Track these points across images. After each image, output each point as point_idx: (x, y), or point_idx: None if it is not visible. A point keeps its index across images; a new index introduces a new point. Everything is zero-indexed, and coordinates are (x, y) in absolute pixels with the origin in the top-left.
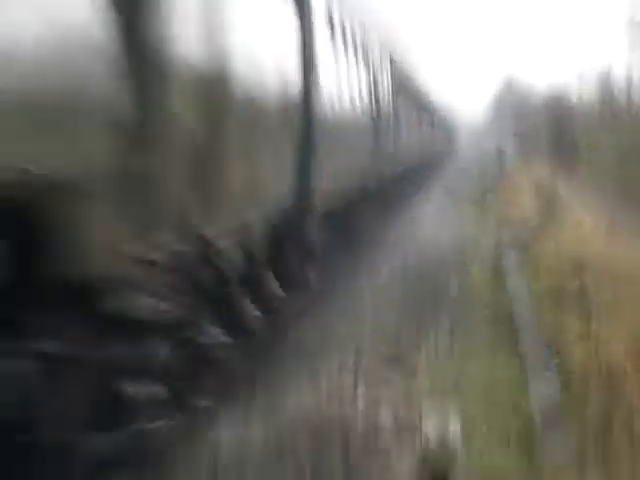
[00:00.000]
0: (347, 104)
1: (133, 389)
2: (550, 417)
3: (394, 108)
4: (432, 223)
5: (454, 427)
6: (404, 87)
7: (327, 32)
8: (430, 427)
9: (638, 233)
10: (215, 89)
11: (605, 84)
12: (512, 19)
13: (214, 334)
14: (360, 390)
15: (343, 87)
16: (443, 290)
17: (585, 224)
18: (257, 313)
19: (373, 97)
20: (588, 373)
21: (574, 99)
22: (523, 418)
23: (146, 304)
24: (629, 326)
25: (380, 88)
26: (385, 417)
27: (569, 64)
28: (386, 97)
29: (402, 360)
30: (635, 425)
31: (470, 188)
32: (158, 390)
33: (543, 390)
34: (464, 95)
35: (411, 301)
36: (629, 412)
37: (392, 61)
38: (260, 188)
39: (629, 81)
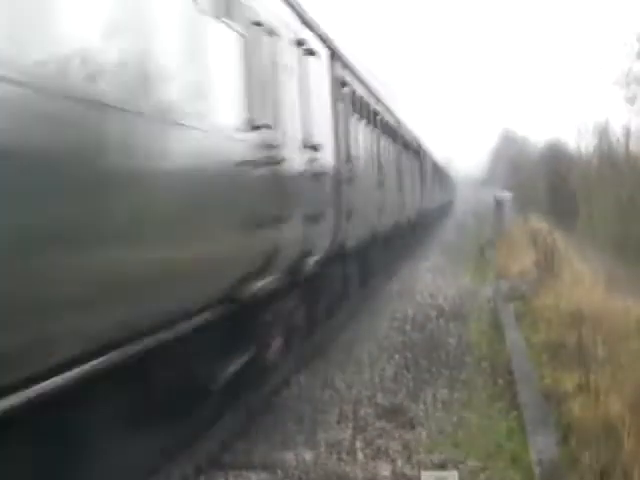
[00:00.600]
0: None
1: None
2: (550, 469)
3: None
4: (432, 276)
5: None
6: (413, 154)
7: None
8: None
9: (635, 287)
10: None
11: (603, 136)
12: (509, 73)
13: None
14: (359, 441)
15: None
16: (442, 343)
17: (583, 278)
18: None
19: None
20: (587, 426)
21: (572, 151)
22: (523, 470)
23: None
24: (627, 379)
25: (394, 156)
26: (384, 469)
27: (566, 117)
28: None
29: (400, 411)
30: (634, 477)
31: (468, 242)
32: None
33: (542, 442)
34: (462, 148)
35: (410, 353)
36: (628, 464)
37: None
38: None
39: (627, 133)
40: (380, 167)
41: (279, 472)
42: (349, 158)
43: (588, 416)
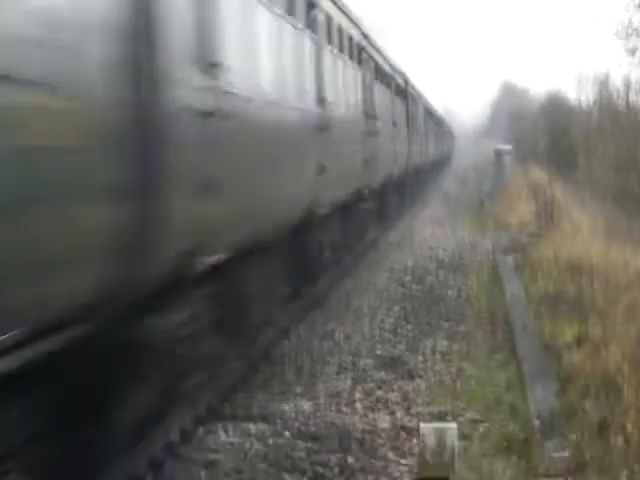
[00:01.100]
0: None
1: None
2: (548, 421)
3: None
4: (431, 228)
5: (451, 432)
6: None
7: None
8: (428, 432)
9: (635, 237)
10: None
11: (603, 88)
12: (510, 24)
13: None
14: (358, 392)
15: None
16: (441, 294)
17: (583, 229)
18: None
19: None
20: (586, 377)
21: (572, 103)
22: (521, 422)
23: None
24: (626, 330)
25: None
26: (383, 420)
27: (566, 68)
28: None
29: (400, 362)
30: (632, 427)
31: (468, 194)
32: None
33: (541, 394)
34: (462, 99)
35: (409, 304)
36: (627, 415)
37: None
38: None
39: (627, 85)
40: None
41: (278, 422)
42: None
43: (587, 367)
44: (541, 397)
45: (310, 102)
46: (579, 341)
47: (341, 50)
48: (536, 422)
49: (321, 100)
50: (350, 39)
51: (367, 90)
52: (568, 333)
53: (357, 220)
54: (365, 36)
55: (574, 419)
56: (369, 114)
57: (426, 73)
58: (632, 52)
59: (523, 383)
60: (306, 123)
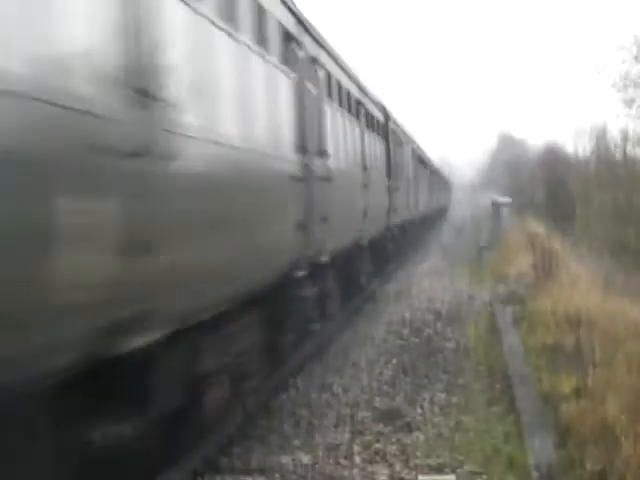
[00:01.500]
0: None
1: None
2: (547, 472)
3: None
4: (429, 280)
5: None
6: (418, 161)
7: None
8: None
9: (633, 290)
10: None
11: (600, 140)
12: (508, 76)
13: None
14: (357, 445)
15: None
16: (439, 346)
17: (581, 281)
18: None
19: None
20: (585, 429)
21: (570, 154)
22: (520, 473)
23: None
24: (624, 383)
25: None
26: (382, 473)
27: (564, 120)
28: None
29: (398, 415)
30: (631, 478)
31: (466, 245)
32: None
33: (540, 445)
34: (459, 150)
35: (407, 356)
36: (626, 467)
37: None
38: None
39: (624, 137)
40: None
41: (276, 476)
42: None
43: (585, 419)
44: (539, 449)
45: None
46: (577, 393)
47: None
48: (535, 474)
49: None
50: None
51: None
52: (566, 385)
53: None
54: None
55: (573, 470)
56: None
57: (423, 125)
58: (629, 104)
59: (522, 435)
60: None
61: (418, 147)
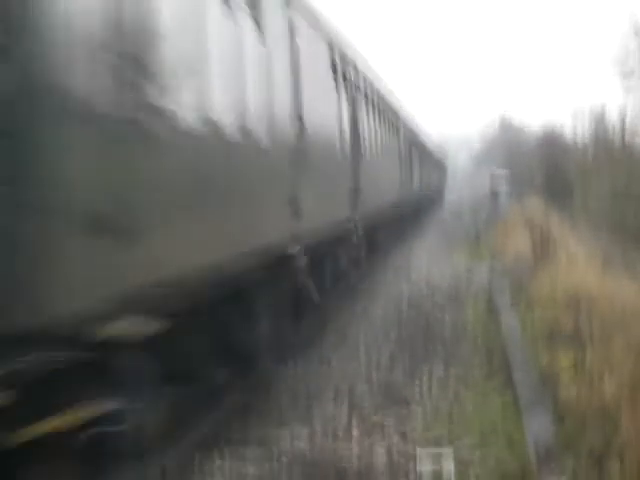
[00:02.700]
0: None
1: None
2: (544, 451)
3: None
4: (427, 262)
5: (448, 461)
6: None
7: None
8: (424, 459)
9: (630, 268)
10: None
11: (599, 122)
12: (506, 58)
13: None
14: (356, 422)
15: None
16: (437, 326)
17: (579, 260)
18: None
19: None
20: (583, 409)
21: (568, 138)
22: (517, 453)
23: None
24: (623, 361)
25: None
26: (380, 449)
27: (562, 103)
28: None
29: (397, 392)
30: (630, 460)
31: (464, 228)
32: None
33: (538, 427)
34: (457, 133)
35: (406, 337)
36: (624, 447)
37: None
38: None
39: (622, 118)
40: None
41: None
42: None
43: (584, 397)
44: (537, 427)
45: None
46: (576, 371)
47: None
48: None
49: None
50: None
51: None
52: (565, 363)
53: None
54: None
55: (571, 449)
56: None
57: (421, 105)
58: (628, 75)
59: (519, 411)
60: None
61: (410, 120)
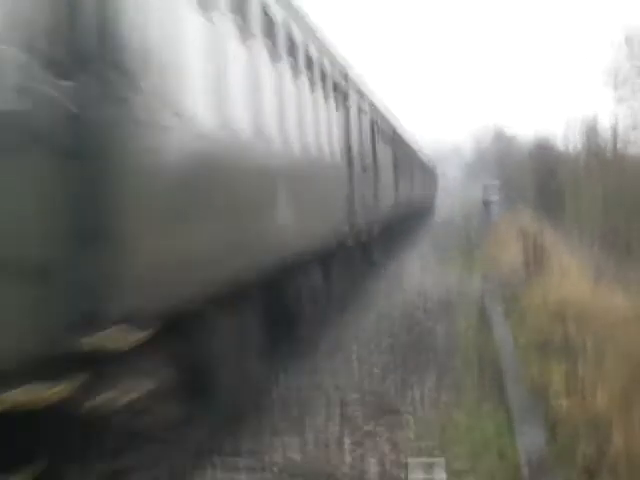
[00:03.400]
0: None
1: None
2: (537, 466)
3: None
4: (419, 274)
5: (440, 478)
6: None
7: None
8: (416, 470)
9: (623, 280)
10: None
11: (591, 132)
12: (497, 67)
13: None
14: (347, 441)
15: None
16: (429, 340)
17: (571, 272)
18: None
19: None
20: (575, 422)
21: (560, 147)
22: (510, 467)
23: None
24: (615, 373)
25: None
26: (372, 468)
27: (554, 113)
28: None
29: (388, 408)
30: (622, 473)
31: (456, 239)
32: None
33: (530, 439)
34: (448, 140)
35: (398, 351)
36: (616, 460)
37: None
38: None
39: (614, 129)
40: None
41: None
42: None
43: (576, 410)
44: (530, 440)
45: None
46: (567, 382)
47: None
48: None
49: None
50: None
51: None
52: (556, 375)
53: None
54: None
55: (563, 462)
56: None
57: (415, 114)
58: (621, 84)
59: (511, 424)
60: None
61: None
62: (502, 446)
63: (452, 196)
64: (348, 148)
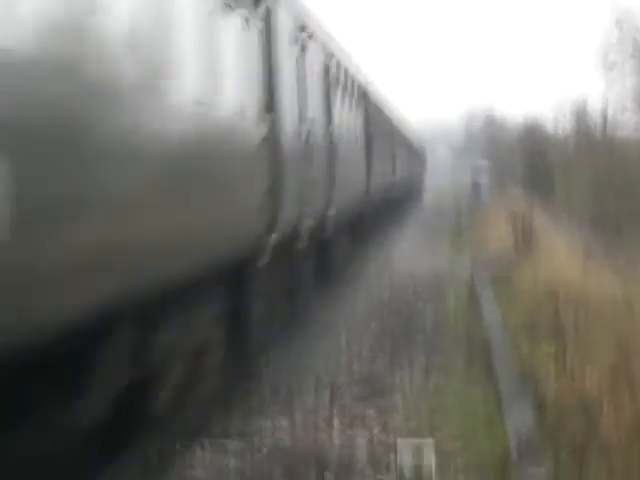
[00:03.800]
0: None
1: None
2: (526, 447)
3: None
4: (408, 255)
5: (429, 458)
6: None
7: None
8: (405, 459)
9: (612, 260)
10: None
11: (580, 115)
12: (488, 48)
13: None
14: (335, 424)
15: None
16: (419, 321)
17: (560, 253)
18: None
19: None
20: (564, 399)
21: (549, 130)
22: (498, 444)
23: None
24: (604, 355)
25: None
26: (361, 450)
27: (544, 95)
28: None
29: (379, 382)
30: (610, 456)
31: (446, 220)
32: None
33: (518, 421)
34: (436, 118)
35: (387, 332)
36: (605, 436)
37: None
38: None
39: (604, 112)
40: None
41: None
42: None
43: (565, 390)
44: (518, 418)
45: None
46: (557, 362)
47: None
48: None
49: None
50: None
51: None
52: (546, 355)
53: None
54: None
55: (551, 439)
56: None
57: (404, 95)
58: (611, 67)
59: (500, 403)
60: None
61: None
62: (491, 425)
63: (441, 178)
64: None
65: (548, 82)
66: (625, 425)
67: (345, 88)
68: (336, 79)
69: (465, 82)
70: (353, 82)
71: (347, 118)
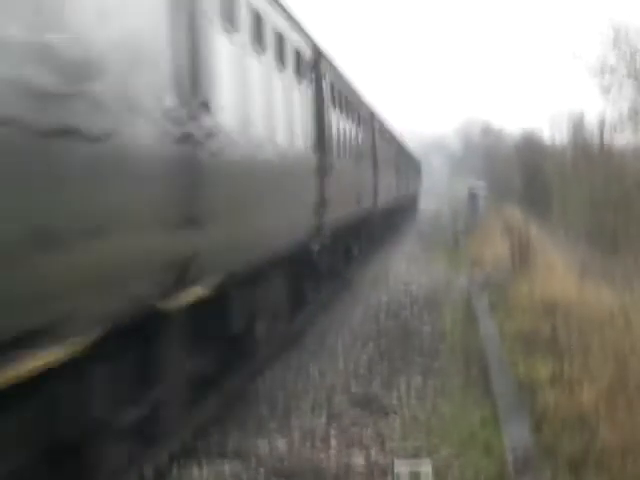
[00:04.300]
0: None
1: None
2: (522, 458)
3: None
4: (405, 267)
5: (426, 468)
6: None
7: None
8: (402, 468)
9: (608, 275)
10: None
11: (577, 127)
12: (484, 61)
13: None
14: (333, 431)
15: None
16: (416, 332)
17: (557, 268)
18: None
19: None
20: (561, 415)
21: (546, 143)
22: (496, 460)
23: None
24: (600, 368)
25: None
26: (357, 459)
27: (541, 107)
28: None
29: (374, 400)
30: (609, 466)
31: (442, 233)
32: None
33: (516, 431)
34: (431, 133)
35: (384, 342)
36: (602, 452)
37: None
38: None
39: (601, 124)
40: None
41: (252, 460)
42: None
43: (562, 406)
44: (516, 434)
45: None
46: (554, 378)
47: None
48: (510, 458)
49: None
50: None
51: None
52: (543, 371)
53: None
54: None
55: (549, 455)
56: None
57: (398, 106)
58: (607, 90)
59: (497, 420)
60: None
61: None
62: (488, 442)
63: (437, 193)
64: (320, 142)
65: (544, 94)
66: (622, 438)
67: (356, 119)
68: (351, 111)
69: (461, 95)
70: (362, 107)
71: (362, 145)
